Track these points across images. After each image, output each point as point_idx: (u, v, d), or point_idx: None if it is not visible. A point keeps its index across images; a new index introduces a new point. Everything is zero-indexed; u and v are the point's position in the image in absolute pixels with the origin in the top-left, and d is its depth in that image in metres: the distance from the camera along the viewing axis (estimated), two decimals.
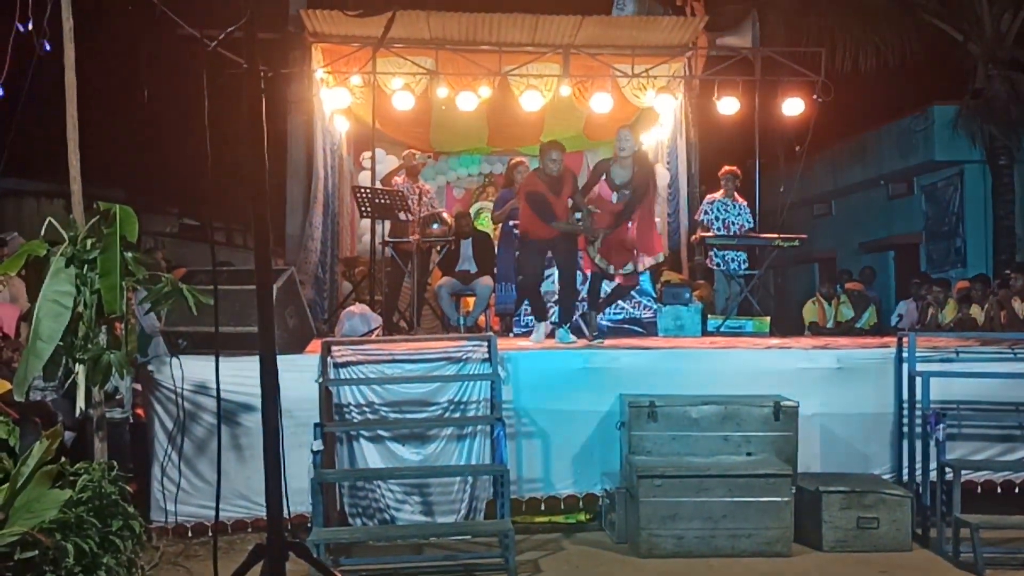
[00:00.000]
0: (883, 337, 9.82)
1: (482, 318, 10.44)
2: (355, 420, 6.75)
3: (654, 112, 12.76)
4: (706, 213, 11.17)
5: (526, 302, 9.28)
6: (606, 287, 8.79)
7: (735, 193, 11.25)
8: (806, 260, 20.59)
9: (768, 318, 9.95)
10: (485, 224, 12.44)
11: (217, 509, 4.54)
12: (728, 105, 12.11)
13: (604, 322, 9.29)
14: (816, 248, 19.93)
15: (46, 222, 5.50)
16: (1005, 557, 6.08)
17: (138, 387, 6.92)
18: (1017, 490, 7.01)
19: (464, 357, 6.83)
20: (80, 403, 5.42)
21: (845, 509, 6.27)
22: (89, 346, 5.30)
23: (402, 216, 9.81)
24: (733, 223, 11.03)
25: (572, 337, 8.16)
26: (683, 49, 12.40)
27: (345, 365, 6.75)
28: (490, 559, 6.14)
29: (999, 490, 6.99)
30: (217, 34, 4.06)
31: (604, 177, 8.25)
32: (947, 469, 6.41)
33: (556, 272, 8.85)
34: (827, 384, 7.06)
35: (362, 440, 6.72)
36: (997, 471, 6.96)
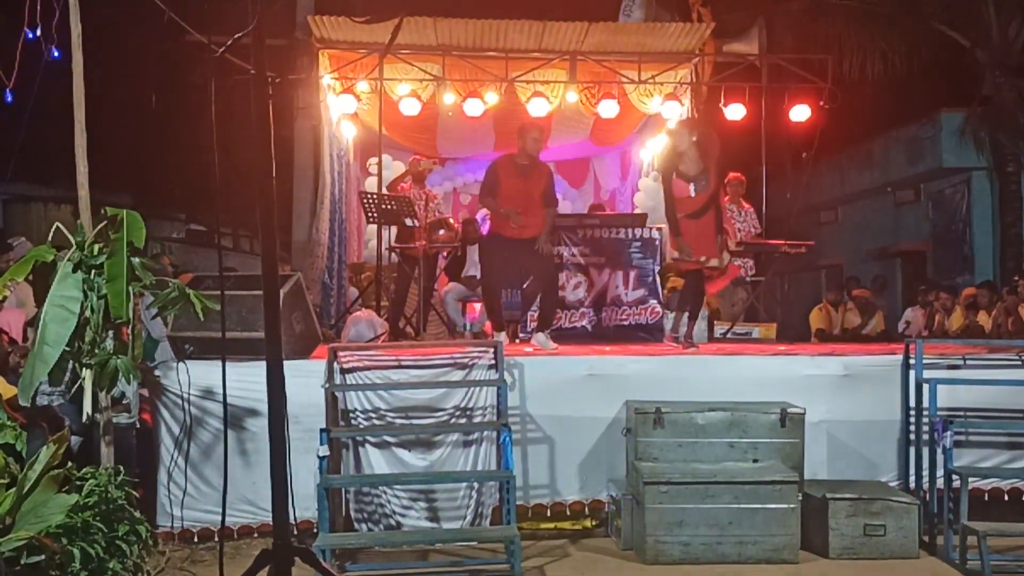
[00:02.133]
0: (890, 344, 9.80)
1: (488, 324, 10.44)
2: (361, 426, 6.74)
3: (661, 118, 12.76)
4: None
5: (532, 308, 9.25)
6: None
7: (741, 199, 11.25)
8: (813, 267, 20.56)
9: (775, 324, 9.94)
10: None
11: (223, 514, 4.54)
12: (735, 111, 12.15)
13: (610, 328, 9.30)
14: (823, 255, 19.94)
15: (53, 227, 5.52)
16: (1013, 565, 6.05)
17: (145, 392, 6.92)
18: None
19: (470, 363, 6.82)
20: (87, 408, 5.42)
21: (852, 516, 6.25)
22: (96, 351, 5.30)
23: (408, 222, 9.82)
24: (739, 229, 11.03)
25: (552, 344, 8.12)
26: (690, 55, 12.42)
27: (351, 371, 6.75)
28: (496, 565, 6.13)
29: (1006, 497, 6.95)
30: (225, 40, 4.08)
31: (675, 176, 8.09)
32: (954, 476, 6.39)
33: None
34: (834, 391, 7.04)
35: (368, 446, 6.71)
36: (1005, 478, 6.93)
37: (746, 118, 12.25)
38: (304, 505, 5.95)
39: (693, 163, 8.02)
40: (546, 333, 8.19)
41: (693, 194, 8.03)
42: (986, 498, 6.86)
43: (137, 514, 5.08)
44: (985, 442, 7.01)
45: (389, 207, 9.75)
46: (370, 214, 9.87)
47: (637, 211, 12.38)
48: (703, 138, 8.12)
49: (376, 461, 6.69)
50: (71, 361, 5.34)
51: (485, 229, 11.46)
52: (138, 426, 7.00)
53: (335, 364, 6.65)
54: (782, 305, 12.66)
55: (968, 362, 7.18)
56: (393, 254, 10.36)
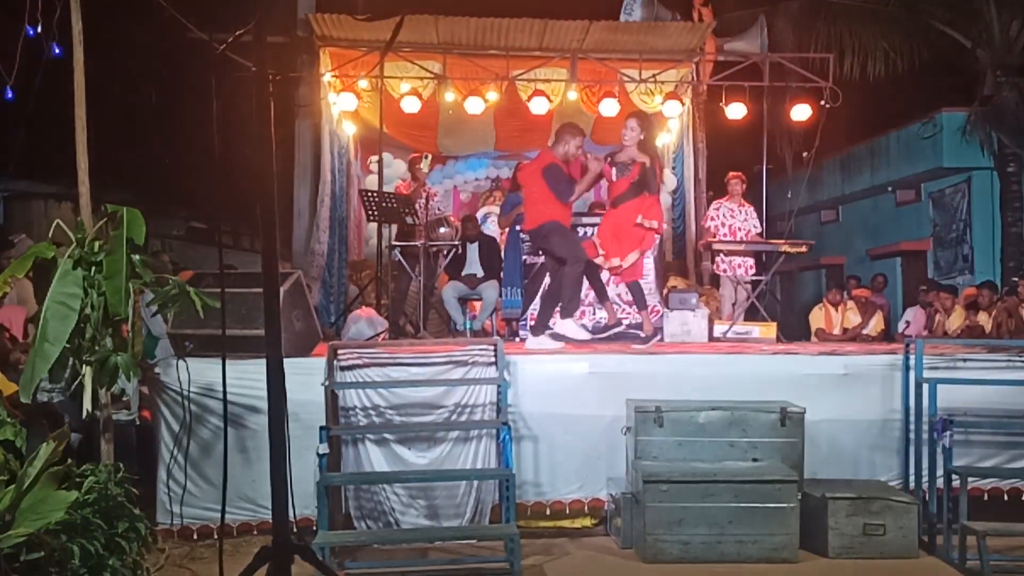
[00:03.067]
0: (890, 344, 9.80)
1: (488, 322, 10.45)
2: (361, 423, 6.75)
3: (662, 117, 12.77)
4: (713, 219, 11.16)
5: (532, 307, 9.22)
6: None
7: (742, 199, 11.24)
8: (813, 266, 20.56)
9: (775, 324, 9.93)
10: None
11: (223, 512, 4.53)
12: (736, 110, 12.13)
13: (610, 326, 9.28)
14: (823, 254, 19.94)
15: (54, 224, 5.52)
16: (1012, 565, 6.06)
17: (144, 389, 6.93)
18: None
19: (470, 361, 6.82)
20: (87, 405, 5.43)
21: (851, 516, 6.26)
22: (96, 348, 5.30)
23: (409, 220, 9.81)
24: (740, 229, 11.02)
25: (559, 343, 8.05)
26: (691, 54, 12.42)
27: (351, 368, 6.75)
28: (495, 563, 6.14)
29: (1006, 498, 6.97)
30: (226, 37, 4.07)
31: (608, 161, 8.23)
32: (954, 476, 6.40)
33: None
34: (834, 390, 7.04)
35: (368, 443, 6.72)
36: (1004, 478, 6.94)
37: (747, 117, 12.24)
38: (304, 503, 5.95)
39: (629, 153, 8.12)
40: (548, 334, 8.09)
41: (615, 179, 8.14)
42: (985, 498, 6.87)
43: (137, 511, 5.08)
44: (985, 442, 7.01)
45: (389, 205, 9.75)
46: (370, 212, 9.86)
47: None
48: (647, 136, 8.28)
49: (376, 459, 6.70)
50: (71, 358, 5.34)
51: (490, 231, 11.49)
52: (138, 423, 7.02)
53: (335, 362, 6.65)
54: (782, 304, 12.67)
55: (968, 362, 7.19)
56: (393, 252, 10.36)
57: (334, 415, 6.54)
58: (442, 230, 10.14)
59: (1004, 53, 15.74)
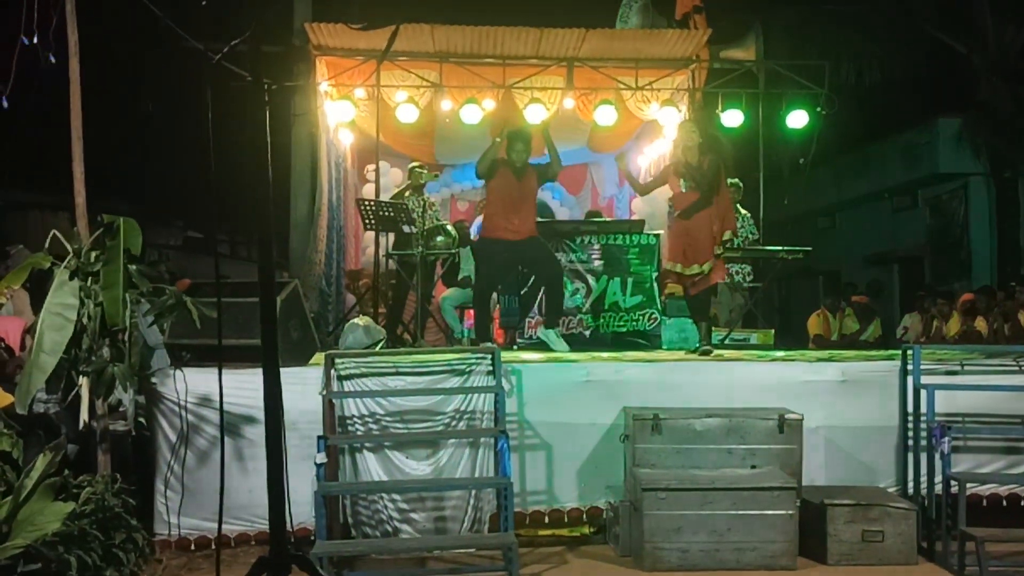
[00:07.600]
0: (888, 350, 9.79)
1: None
2: (359, 432, 6.73)
3: (658, 125, 12.77)
4: None
5: (531, 314, 9.23)
6: None
7: (738, 205, 11.24)
8: (810, 273, 20.58)
9: (772, 330, 9.93)
10: None
11: (220, 522, 4.53)
12: (732, 117, 12.13)
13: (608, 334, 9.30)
14: (820, 261, 19.97)
15: (50, 235, 5.52)
16: (1011, 571, 6.06)
17: (141, 399, 6.91)
18: (1023, 503, 6.98)
19: (468, 369, 6.82)
20: (83, 416, 5.42)
21: (850, 522, 6.25)
22: (93, 358, 5.30)
23: (406, 228, 9.80)
24: (737, 235, 11.01)
25: (565, 345, 8.16)
26: (687, 62, 12.42)
27: (349, 377, 6.74)
28: (494, 572, 6.13)
29: (1004, 503, 6.95)
30: (222, 47, 4.08)
31: (672, 172, 8.31)
32: (952, 482, 6.39)
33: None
34: (832, 397, 7.04)
35: (366, 452, 6.71)
36: (1003, 484, 6.93)
37: (743, 124, 12.25)
38: (301, 512, 5.96)
39: (691, 161, 8.15)
40: (557, 332, 8.21)
41: (684, 190, 8.19)
42: (984, 504, 6.85)
43: (134, 522, 5.09)
44: (983, 447, 7.01)
45: (386, 214, 9.74)
46: (367, 221, 9.86)
47: (635, 217, 12.38)
48: (707, 139, 8.30)
49: (374, 467, 6.69)
50: (68, 369, 5.34)
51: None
52: (134, 434, 6.99)
53: (332, 371, 6.64)
54: (780, 311, 12.66)
55: (966, 368, 7.18)
56: (391, 261, 10.35)
57: (332, 424, 6.53)
58: (440, 239, 10.14)
59: (999, 59, 15.81)
